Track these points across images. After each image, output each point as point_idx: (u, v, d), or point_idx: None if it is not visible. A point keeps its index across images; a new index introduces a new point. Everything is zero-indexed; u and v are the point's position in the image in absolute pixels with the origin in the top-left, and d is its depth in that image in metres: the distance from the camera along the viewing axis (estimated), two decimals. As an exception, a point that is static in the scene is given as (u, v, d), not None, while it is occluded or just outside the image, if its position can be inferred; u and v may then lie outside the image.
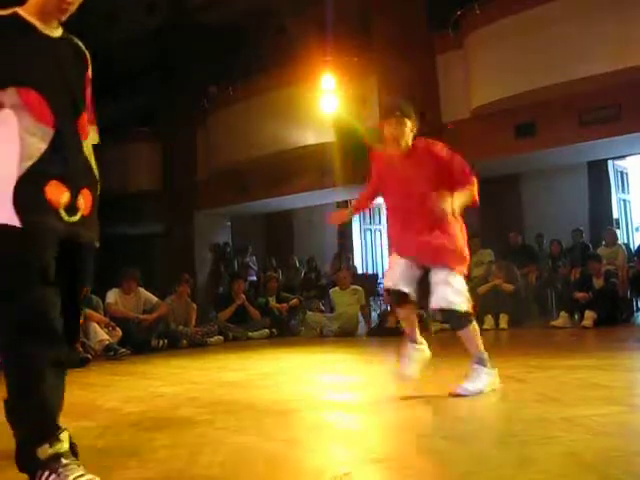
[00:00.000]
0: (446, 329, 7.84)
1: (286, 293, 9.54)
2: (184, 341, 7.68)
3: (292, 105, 10.23)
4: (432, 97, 9.56)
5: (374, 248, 14.01)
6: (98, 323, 6.67)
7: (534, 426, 2.40)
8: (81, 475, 1.73)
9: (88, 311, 6.61)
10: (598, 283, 7.45)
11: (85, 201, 1.96)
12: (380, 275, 13.07)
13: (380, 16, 9.78)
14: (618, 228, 9.93)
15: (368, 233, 13.97)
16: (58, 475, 1.71)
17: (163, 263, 12.99)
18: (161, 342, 7.37)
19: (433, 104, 9.56)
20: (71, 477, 1.71)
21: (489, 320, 7.64)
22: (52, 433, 1.78)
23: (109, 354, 6.36)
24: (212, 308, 10.06)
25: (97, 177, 2.07)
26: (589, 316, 6.96)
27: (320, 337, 8.16)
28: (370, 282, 11.26)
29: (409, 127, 3.33)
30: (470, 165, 3.42)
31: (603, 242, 8.86)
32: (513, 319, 7.66)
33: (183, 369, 5.58)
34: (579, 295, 7.31)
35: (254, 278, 11.94)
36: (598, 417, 2.44)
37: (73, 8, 1.94)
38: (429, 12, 9.55)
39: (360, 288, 8.47)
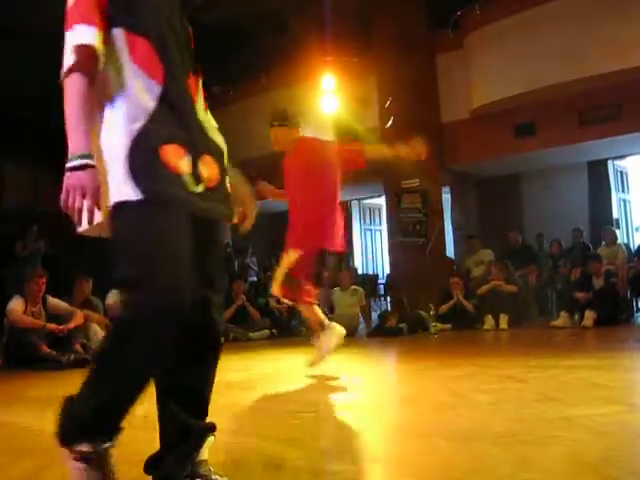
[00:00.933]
0: (446, 329, 7.87)
1: (286, 293, 9.51)
2: (184, 341, 7.66)
3: (292, 105, 10.21)
4: (432, 97, 9.58)
5: (374, 249, 14.01)
6: (98, 324, 6.67)
7: (534, 426, 2.40)
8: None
9: (88, 312, 6.61)
10: (598, 283, 7.45)
11: (208, 170, 1.66)
12: (381, 276, 13.07)
13: (380, 16, 9.79)
14: (618, 228, 9.92)
15: (368, 233, 13.97)
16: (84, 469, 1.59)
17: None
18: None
19: (433, 104, 9.57)
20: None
21: (489, 320, 7.65)
22: (105, 435, 1.64)
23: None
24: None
25: (221, 145, 1.78)
26: (589, 316, 6.96)
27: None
28: (370, 283, 11.27)
29: (278, 134, 4.37)
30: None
31: (603, 242, 8.86)
32: (513, 319, 7.66)
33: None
34: (579, 295, 7.31)
35: (254, 278, 11.93)
36: (598, 417, 2.44)
37: None
38: (429, 12, 9.56)
39: (360, 289, 8.47)
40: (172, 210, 1.56)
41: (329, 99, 9.62)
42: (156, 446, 1.78)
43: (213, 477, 1.68)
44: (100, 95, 1.60)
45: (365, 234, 13.97)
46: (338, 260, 11.28)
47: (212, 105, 1.91)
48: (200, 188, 1.62)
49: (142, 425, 2.87)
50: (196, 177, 1.61)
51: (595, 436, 2.18)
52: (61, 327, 6.03)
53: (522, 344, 6.32)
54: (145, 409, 3.28)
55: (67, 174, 1.51)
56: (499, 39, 8.69)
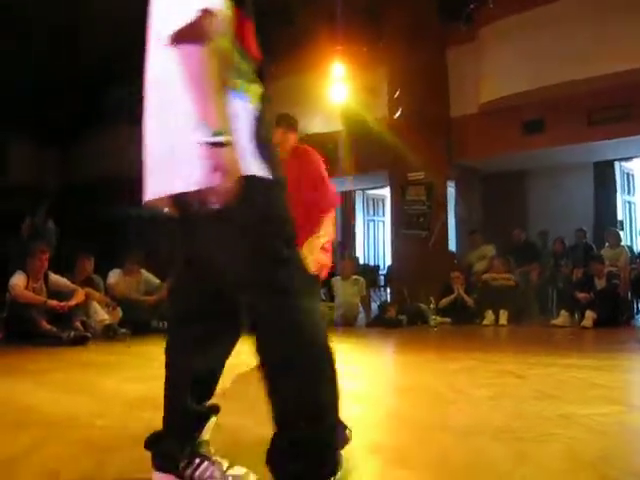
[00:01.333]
0: (446, 323, 7.87)
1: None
2: (184, 324, 7.67)
3: (301, 93, 10.18)
4: (441, 90, 9.52)
5: (377, 239, 14.01)
6: (99, 302, 6.69)
7: (533, 422, 2.41)
8: None
9: (89, 290, 6.62)
10: (600, 284, 7.44)
11: None
12: (382, 267, 13.07)
13: (391, 7, 9.72)
14: (622, 230, 9.89)
15: (371, 224, 13.96)
16: None
17: (166, 246, 12.96)
18: (161, 324, 7.38)
19: (442, 97, 9.52)
20: None
21: (489, 316, 7.66)
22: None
23: (108, 334, 6.37)
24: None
25: None
26: (589, 316, 6.96)
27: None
28: (371, 273, 11.27)
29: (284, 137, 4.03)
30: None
31: (607, 243, 8.84)
32: (513, 315, 7.67)
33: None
34: (580, 295, 7.30)
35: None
36: (597, 416, 2.44)
37: None
38: (440, 4, 9.48)
39: (361, 279, 8.47)
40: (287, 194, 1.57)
41: (338, 88, 9.57)
42: (155, 426, 1.78)
43: (214, 458, 1.68)
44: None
45: (368, 224, 13.95)
46: (341, 249, 11.32)
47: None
48: None
49: (140, 405, 2.89)
50: None
51: (594, 435, 2.18)
52: (62, 304, 6.04)
53: (521, 341, 6.33)
54: (141, 389, 3.29)
55: (210, 149, 1.39)
56: (511, 34, 8.63)
